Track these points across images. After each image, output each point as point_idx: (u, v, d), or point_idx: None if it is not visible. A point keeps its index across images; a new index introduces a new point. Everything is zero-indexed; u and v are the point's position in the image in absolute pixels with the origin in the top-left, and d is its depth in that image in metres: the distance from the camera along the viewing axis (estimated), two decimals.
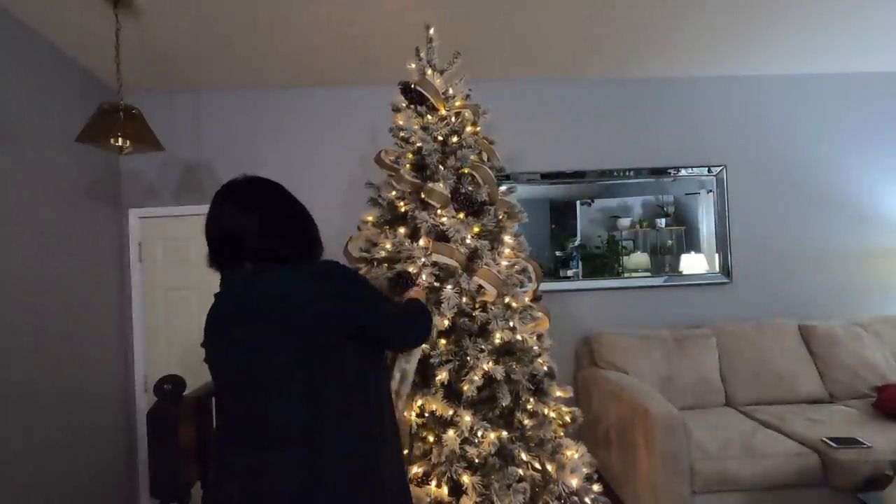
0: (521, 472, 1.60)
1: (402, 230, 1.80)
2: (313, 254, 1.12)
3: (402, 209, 1.84)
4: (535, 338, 1.81)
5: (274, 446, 0.92)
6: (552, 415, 1.76)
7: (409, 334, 1.19)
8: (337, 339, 0.98)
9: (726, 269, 3.30)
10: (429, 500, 1.53)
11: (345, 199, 3.11)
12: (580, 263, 3.31)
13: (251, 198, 1.06)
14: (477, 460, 1.56)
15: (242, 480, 0.91)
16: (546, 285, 2.89)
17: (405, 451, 1.55)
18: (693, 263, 3.32)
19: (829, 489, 2.20)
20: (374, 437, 1.01)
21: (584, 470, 1.72)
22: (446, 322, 1.64)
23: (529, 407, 1.70)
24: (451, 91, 1.95)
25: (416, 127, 1.86)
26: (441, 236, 1.72)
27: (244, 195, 1.06)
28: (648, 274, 3.30)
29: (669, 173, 3.31)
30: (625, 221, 3.33)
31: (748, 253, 3.32)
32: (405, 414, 1.58)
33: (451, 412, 1.59)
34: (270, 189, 1.10)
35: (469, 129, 1.90)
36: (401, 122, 1.92)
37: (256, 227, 1.03)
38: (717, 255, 3.32)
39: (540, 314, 1.86)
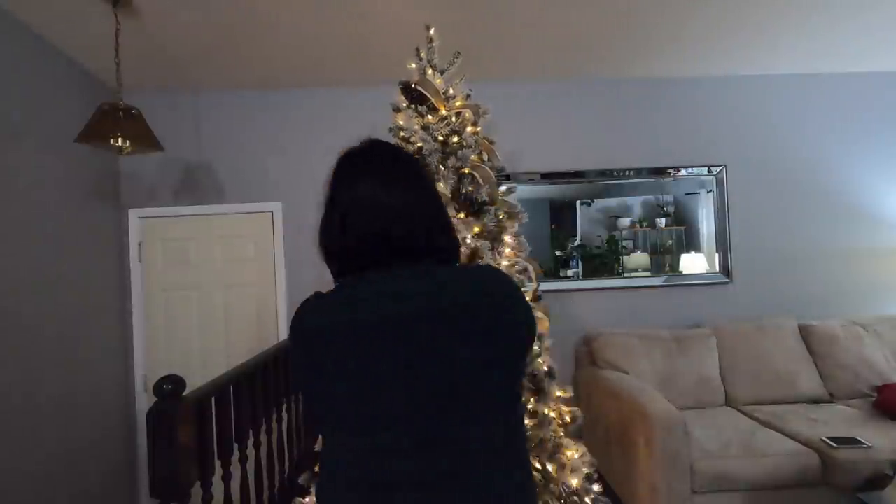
0: None
1: None
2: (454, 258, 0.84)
3: None
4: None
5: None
6: (552, 415, 1.75)
7: None
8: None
9: (726, 269, 3.30)
10: None
11: None
12: (580, 263, 3.31)
13: (406, 172, 0.82)
14: None
15: None
16: (546, 285, 2.90)
17: None
18: (693, 263, 3.32)
19: (829, 489, 2.20)
20: None
21: (584, 470, 1.72)
22: None
23: (529, 407, 1.70)
24: (451, 91, 1.95)
25: (416, 127, 1.86)
26: None
27: (397, 169, 0.81)
28: (648, 274, 3.30)
29: (669, 173, 3.30)
30: (625, 221, 3.33)
31: (748, 253, 3.32)
32: None
33: None
34: (415, 161, 0.85)
35: (469, 128, 1.90)
36: (401, 122, 1.91)
37: (426, 211, 0.79)
38: (717, 255, 3.32)
39: (540, 314, 1.86)
